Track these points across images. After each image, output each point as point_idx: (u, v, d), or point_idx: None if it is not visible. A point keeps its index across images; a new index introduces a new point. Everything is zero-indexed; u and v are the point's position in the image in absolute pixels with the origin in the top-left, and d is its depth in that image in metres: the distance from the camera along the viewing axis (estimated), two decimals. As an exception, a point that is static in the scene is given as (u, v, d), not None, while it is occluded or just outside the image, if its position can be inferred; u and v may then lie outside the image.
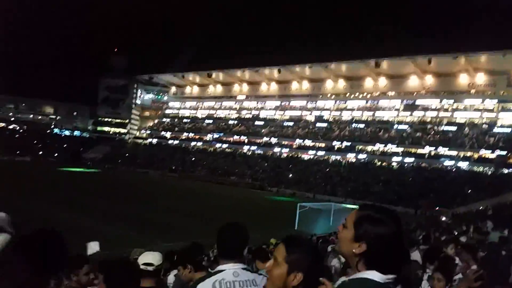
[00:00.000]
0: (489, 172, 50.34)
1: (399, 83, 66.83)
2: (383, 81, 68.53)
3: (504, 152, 51.55)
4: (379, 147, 62.38)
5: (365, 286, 1.52)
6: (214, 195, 44.72)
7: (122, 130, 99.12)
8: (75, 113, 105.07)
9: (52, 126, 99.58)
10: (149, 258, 3.37)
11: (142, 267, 3.32)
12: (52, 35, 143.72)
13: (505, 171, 49.40)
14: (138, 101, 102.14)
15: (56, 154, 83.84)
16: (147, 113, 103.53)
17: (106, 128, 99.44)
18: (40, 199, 28.40)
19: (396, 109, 66.63)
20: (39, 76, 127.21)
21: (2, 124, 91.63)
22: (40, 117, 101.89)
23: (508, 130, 54.91)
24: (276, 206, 37.86)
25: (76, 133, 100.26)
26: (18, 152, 76.41)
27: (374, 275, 1.53)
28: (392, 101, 67.61)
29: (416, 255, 7.08)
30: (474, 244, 6.78)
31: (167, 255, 7.87)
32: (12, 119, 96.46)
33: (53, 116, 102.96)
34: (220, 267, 2.42)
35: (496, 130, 56.13)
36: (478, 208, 33.08)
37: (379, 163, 59.93)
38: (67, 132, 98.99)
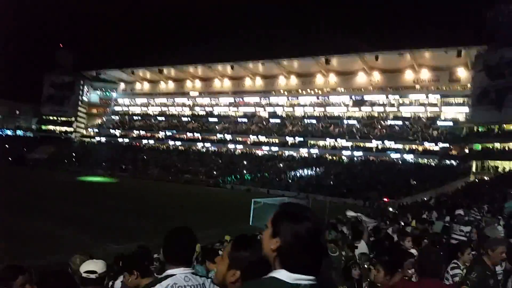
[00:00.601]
0: (433, 164, 53.29)
1: (348, 79, 68.96)
2: (333, 78, 70.39)
3: (446, 145, 54.81)
4: (330, 141, 64.12)
5: (269, 285, 1.52)
6: (167, 193, 43.96)
7: (69, 129, 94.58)
8: (17, 112, 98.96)
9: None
10: (92, 266, 3.26)
11: (84, 275, 3.21)
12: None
13: (448, 162, 52.56)
14: (85, 98, 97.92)
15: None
16: (94, 111, 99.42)
17: (51, 127, 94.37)
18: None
19: (346, 105, 68.74)
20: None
21: None
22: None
23: (450, 123, 58.35)
24: (231, 203, 37.87)
25: (19, 132, 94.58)
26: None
27: (283, 275, 1.52)
28: (342, 97, 69.65)
29: (363, 247, 7.32)
30: (418, 235, 7.12)
31: (116, 260, 7.65)
32: None
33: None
34: (170, 272, 2.37)
35: (439, 123, 59.43)
36: (423, 198, 34.89)
37: (330, 157, 61.61)
38: (8, 132, 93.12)
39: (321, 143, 64.78)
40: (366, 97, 67.42)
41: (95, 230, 21.00)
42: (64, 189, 40.90)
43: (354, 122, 66.52)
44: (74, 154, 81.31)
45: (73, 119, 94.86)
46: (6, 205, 26.68)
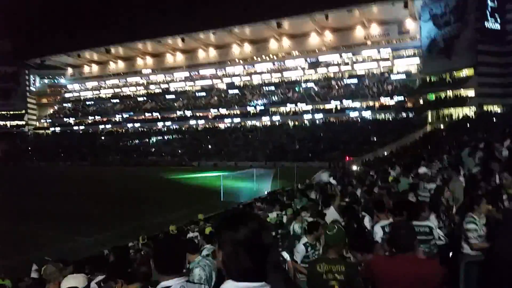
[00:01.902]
0: (390, 118, 55.03)
1: (301, 41, 68.84)
2: (286, 42, 70.02)
3: (401, 98, 56.53)
4: (290, 107, 64.57)
5: None
6: (131, 178, 43.18)
7: (20, 122, 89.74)
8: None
9: None
10: (73, 282, 3.16)
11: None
12: None
13: (404, 115, 54.44)
14: (33, 88, 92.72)
15: None
16: (44, 100, 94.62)
17: (1, 122, 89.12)
18: None
19: (302, 68, 68.90)
20: None
21: None
22: None
23: (403, 76, 59.93)
24: (199, 180, 37.78)
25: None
26: None
27: (229, 286, 1.49)
28: (297, 60, 69.65)
29: (332, 213, 7.39)
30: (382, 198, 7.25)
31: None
32: None
33: None
34: (164, 284, 2.29)
35: (392, 77, 60.94)
36: (384, 153, 36.20)
37: (293, 123, 62.26)
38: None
39: (282, 109, 65.14)
40: (321, 58, 67.76)
41: (66, 223, 20.41)
42: (24, 184, 39.26)
43: (312, 85, 67.04)
44: (29, 148, 77.77)
45: (23, 111, 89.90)
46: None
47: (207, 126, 69.82)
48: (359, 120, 57.21)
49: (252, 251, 1.47)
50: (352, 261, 4.19)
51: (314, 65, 67.82)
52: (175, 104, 75.91)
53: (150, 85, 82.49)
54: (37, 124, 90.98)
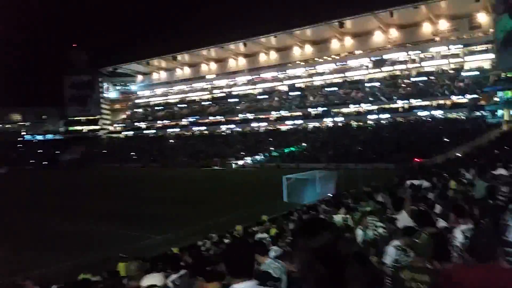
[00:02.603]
0: (463, 117, 51.72)
1: (365, 40, 67.14)
2: (349, 41, 68.67)
3: (475, 95, 52.90)
4: (353, 108, 63.07)
5: None
6: (198, 179, 44.68)
7: (95, 127, 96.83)
8: (44, 117, 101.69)
9: (23, 133, 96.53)
10: (152, 281, 3.36)
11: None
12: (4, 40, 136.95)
13: (478, 113, 50.84)
14: (106, 95, 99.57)
15: (32, 161, 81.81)
16: (117, 106, 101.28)
17: (78, 128, 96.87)
18: (28, 208, 27.80)
19: (365, 67, 67.06)
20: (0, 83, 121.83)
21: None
22: (8, 125, 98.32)
23: (476, 72, 56.13)
24: (262, 182, 38.14)
25: (49, 136, 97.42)
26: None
27: None
28: (360, 59, 67.93)
29: (405, 218, 7.09)
30: (458, 202, 6.83)
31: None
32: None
33: (22, 123, 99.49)
34: (236, 286, 2.34)
35: (464, 74, 57.28)
36: (456, 154, 34.08)
37: (356, 123, 60.77)
38: (39, 137, 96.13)
39: (344, 110, 63.82)
40: (386, 56, 65.49)
41: (137, 222, 21.65)
42: (100, 185, 42.18)
43: (376, 84, 64.97)
44: (103, 151, 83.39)
45: (98, 117, 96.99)
46: (49, 208, 27.82)
47: (269, 128, 70.31)
48: (429, 120, 54.36)
49: (327, 260, 1.43)
50: (436, 271, 4.01)
51: (379, 63, 65.69)
52: (238, 107, 77.40)
53: (214, 89, 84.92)
54: (111, 128, 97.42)
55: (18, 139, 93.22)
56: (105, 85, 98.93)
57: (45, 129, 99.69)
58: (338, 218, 9.46)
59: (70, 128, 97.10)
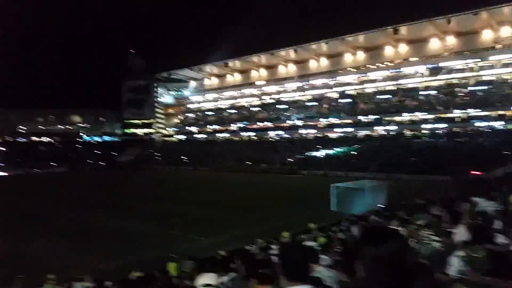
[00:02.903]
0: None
1: (420, 47, 64.85)
2: (403, 48, 66.64)
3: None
4: (407, 116, 60.95)
5: None
6: (245, 184, 45.12)
7: (150, 130, 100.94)
8: (102, 119, 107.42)
9: (82, 134, 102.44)
10: (207, 279, 3.49)
11: (202, 289, 3.45)
12: (66, 46, 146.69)
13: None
14: (161, 99, 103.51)
15: (90, 161, 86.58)
16: (171, 110, 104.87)
17: (134, 130, 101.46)
18: (83, 206, 29.44)
19: (420, 75, 64.69)
20: (63, 87, 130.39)
21: (35, 138, 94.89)
22: (68, 126, 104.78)
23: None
24: (308, 189, 37.84)
25: (106, 138, 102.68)
26: (53, 163, 79.26)
27: None
28: (415, 67, 65.64)
29: (462, 233, 6.79)
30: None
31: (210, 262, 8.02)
32: (44, 132, 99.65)
33: (81, 124, 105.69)
34: None
35: (528, 84, 53.65)
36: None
37: (409, 133, 58.69)
38: (97, 138, 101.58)
39: (397, 118, 61.84)
40: (442, 64, 62.77)
41: (187, 224, 22.26)
42: (152, 187, 43.78)
43: (432, 92, 62.39)
44: (157, 154, 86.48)
45: (152, 120, 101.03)
46: (103, 207, 29.30)
47: (317, 135, 69.63)
48: (488, 131, 51.38)
49: (393, 269, 1.39)
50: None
51: (435, 71, 63.09)
52: (286, 114, 77.39)
53: (263, 95, 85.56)
54: (165, 132, 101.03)
55: (77, 139, 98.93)
56: (160, 90, 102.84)
57: (103, 131, 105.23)
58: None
59: (126, 131, 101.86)
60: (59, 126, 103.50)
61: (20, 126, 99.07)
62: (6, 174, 70.56)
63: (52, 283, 11.42)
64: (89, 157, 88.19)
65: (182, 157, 77.53)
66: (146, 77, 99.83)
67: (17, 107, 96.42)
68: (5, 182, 57.52)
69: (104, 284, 10.54)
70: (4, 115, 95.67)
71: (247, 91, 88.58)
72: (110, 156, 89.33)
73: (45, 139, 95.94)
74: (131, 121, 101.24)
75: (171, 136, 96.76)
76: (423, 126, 58.06)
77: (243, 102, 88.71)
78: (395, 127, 60.92)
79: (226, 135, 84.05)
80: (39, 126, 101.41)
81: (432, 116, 57.91)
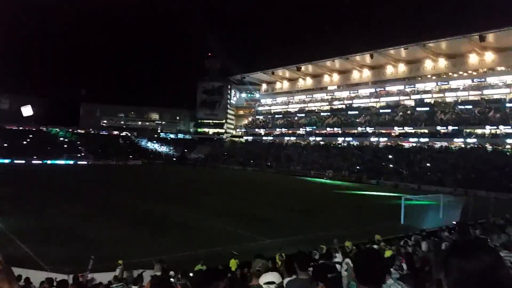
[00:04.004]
0: None
1: (509, 56, 59.66)
2: (489, 56, 61.78)
3: None
4: (490, 129, 56.49)
5: None
6: (310, 189, 44.80)
7: (220, 130, 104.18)
8: (177, 117, 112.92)
9: (159, 131, 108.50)
10: (270, 277, 3.60)
11: (264, 286, 3.56)
12: (150, 48, 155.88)
13: None
14: (233, 101, 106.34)
15: (164, 156, 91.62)
16: (241, 112, 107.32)
17: (205, 129, 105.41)
18: (156, 199, 31.20)
19: (508, 86, 59.56)
20: (144, 85, 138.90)
21: (116, 132, 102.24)
22: (147, 123, 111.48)
23: None
24: (377, 200, 36.63)
25: (180, 135, 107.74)
26: (130, 156, 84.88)
27: None
28: (502, 77, 60.58)
29: None
30: None
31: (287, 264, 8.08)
32: (124, 127, 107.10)
33: (159, 122, 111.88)
34: None
35: None
36: None
37: (491, 147, 54.36)
38: (172, 135, 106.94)
39: (479, 131, 57.56)
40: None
41: (249, 223, 22.69)
42: (219, 185, 45.12)
43: (520, 104, 57.08)
44: (225, 153, 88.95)
45: (223, 121, 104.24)
46: (173, 200, 30.78)
47: (389, 144, 66.98)
48: None
49: (484, 285, 1.30)
50: None
51: (525, 82, 57.74)
52: (357, 120, 75.44)
53: (334, 101, 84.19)
54: (234, 132, 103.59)
55: (155, 135, 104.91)
56: (233, 92, 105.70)
57: (178, 129, 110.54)
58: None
59: (199, 130, 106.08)
60: (138, 122, 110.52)
61: (103, 120, 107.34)
62: (86, 163, 76.84)
63: (122, 269, 12.31)
64: (164, 152, 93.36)
65: (248, 158, 78.97)
66: (220, 79, 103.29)
67: (102, 102, 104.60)
68: (84, 171, 62.47)
69: (169, 274, 11.09)
70: (90, 110, 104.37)
71: (317, 95, 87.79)
72: (182, 152, 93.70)
73: (124, 133, 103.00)
74: (204, 121, 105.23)
75: (240, 137, 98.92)
76: (507, 140, 53.44)
77: (312, 106, 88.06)
78: (475, 140, 56.77)
79: (293, 138, 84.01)
80: (120, 121, 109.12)
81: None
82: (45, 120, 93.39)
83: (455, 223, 20.44)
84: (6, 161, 69.95)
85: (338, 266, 8.71)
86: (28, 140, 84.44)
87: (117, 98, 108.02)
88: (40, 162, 72.75)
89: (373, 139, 69.38)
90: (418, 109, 68.34)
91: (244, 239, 18.91)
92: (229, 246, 16.96)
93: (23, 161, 70.70)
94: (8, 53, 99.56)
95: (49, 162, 73.91)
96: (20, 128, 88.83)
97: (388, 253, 10.24)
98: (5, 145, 76.39)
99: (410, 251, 10.28)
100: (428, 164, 54.93)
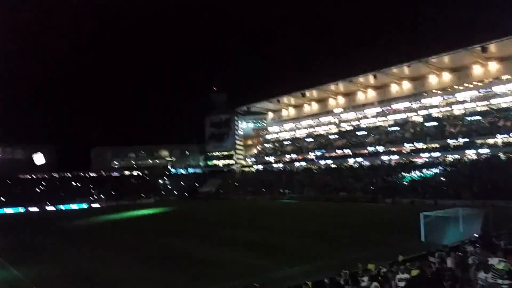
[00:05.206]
0: None
1: (513, 64, 59.60)
2: (493, 66, 61.82)
3: None
4: (501, 138, 55.79)
5: None
6: (326, 213, 44.20)
7: (230, 162, 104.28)
8: (187, 152, 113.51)
9: (169, 167, 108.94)
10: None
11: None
12: (156, 86, 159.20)
13: None
14: (241, 132, 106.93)
15: (176, 192, 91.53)
16: (249, 142, 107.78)
17: (215, 162, 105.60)
18: (169, 235, 30.95)
19: (514, 93, 59.12)
20: (153, 124, 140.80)
21: (127, 172, 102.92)
22: (158, 161, 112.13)
23: None
24: (395, 219, 35.96)
25: (190, 170, 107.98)
26: (143, 195, 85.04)
27: None
28: (508, 85, 60.29)
29: None
30: None
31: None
32: (135, 166, 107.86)
33: (169, 158, 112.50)
34: None
35: None
36: None
37: (505, 156, 53.50)
38: (182, 171, 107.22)
39: (490, 141, 56.86)
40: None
41: (267, 253, 22.26)
42: (233, 216, 44.76)
43: (529, 111, 56.47)
44: (236, 184, 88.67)
45: (232, 152, 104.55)
46: (188, 235, 30.50)
47: (401, 161, 66.29)
48: None
49: None
50: None
51: (532, 88, 57.37)
52: (366, 140, 75.11)
53: (342, 123, 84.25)
54: (244, 162, 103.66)
55: (166, 172, 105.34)
56: (240, 122, 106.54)
57: (187, 164, 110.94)
58: (495, 261, 8.27)
59: (209, 163, 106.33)
60: (149, 160, 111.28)
61: (114, 162, 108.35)
62: (99, 206, 77.01)
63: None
64: (175, 188, 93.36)
65: (260, 186, 78.58)
66: (227, 112, 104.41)
67: (113, 144, 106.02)
68: (96, 213, 62.29)
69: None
70: (101, 152, 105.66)
71: (324, 119, 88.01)
72: (193, 186, 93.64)
73: (135, 173, 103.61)
74: (213, 153, 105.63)
75: (250, 166, 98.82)
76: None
77: (320, 130, 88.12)
78: (488, 150, 55.99)
79: (304, 164, 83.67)
80: (131, 161, 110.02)
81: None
82: (57, 166, 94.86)
83: (476, 235, 19.91)
84: (21, 209, 70.43)
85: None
86: (41, 187, 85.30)
87: (127, 139, 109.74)
88: (54, 208, 73.08)
89: (384, 157, 68.82)
90: (426, 124, 67.97)
91: (264, 269, 18.51)
92: (249, 278, 16.60)
93: (37, 209, 71.07)
94: (17, 103, 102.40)
95: (62, 207, 74.21)
96: (33, 176, 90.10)
97: (414, 273, 9.92)
98: (18, 193, 77.19)
99: (437, 268, 9.96)
100: (443, 179, 54.05)
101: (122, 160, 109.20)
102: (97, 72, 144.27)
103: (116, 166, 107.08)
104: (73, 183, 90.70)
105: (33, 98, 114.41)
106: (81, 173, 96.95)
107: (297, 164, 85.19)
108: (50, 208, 72.74)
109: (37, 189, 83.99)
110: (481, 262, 9.31)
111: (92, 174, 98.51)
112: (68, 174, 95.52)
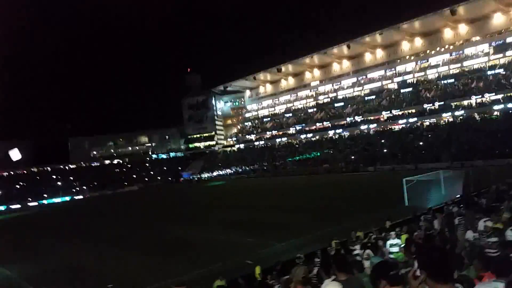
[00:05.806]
0: None
1: (483, 25, 60.61)
2: (463, 28, 62.77)
3: None
4: (475, 99, 57.23)
5: None
6: (309, 186, 44.80)
7: (211, 143, 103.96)
8: (167, 137, 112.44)
9: (150, 153, 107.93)
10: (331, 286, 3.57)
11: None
12: (130, 72, 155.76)
13: None
14: (219, 112, 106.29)
15: (159, 178, 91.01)
16: (229, 121, 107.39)
17: (197, 144, 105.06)
18: (160, 220, 30.98)
19: (486, 54, 60.50)
20: (129, 111, 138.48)
21: (107, 161, 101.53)
22: (137, 147, 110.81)
23: None
24: (378, 186, 36.80)
25: (172, 154, 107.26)
26: (125, 183, 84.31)
27: None
28: (479, 46, 61.54)
29: None
30: None
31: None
32: (114, 155, 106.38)
33: (149, 144, 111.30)
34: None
35: None
36: None
37: (479, 116, 55.05)
38: (163, 156, 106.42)
39: (465, 102, 58.27)
40: (510, 40, 58.20)
41: (256, 230, 22.57)
42: (219, 196, 44.96)
43: (500, 70, 57.97)
44: (219, 164, 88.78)
45: (213, 133, 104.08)
46: (176, 219, 30.58)
47: (379, 129, 67.41)
48: None
49: None
50: None
51: (501, 48, 58.68)
52: (344, 111, 75.86)
53: (319, 95, 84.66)
54: (225, 142, 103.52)
55: (147, 158, 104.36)
56: (218, 103, 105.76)
57: (168, 148, 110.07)
58: (481, 223, 8.64)
59: (190, 146, 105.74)
60: (129, 148, 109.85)
61: (93, 151, 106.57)
62: (81, 197, 76.13)
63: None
64: (158, 174, 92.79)
65: (244, 165, 78.91)
66: (204, 93, 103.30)
67: (90, 134, 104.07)
68: (82, 205, 61.78)
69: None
70: (79, 143, 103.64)
71: (302, 93, 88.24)
72: (176, 171, 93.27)
73: (116, 161, 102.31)
74: (194, 136, 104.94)
75: (231, 146, 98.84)
76: (494, 107, 54.17)
77: (298, 104, 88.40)
78: (463, 112, 57.44)
79: (284, 139, 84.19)
80: (111, 150, 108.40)
81: (501, 96, 53.85)
82: (34, 160, 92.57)
83: (459, 196, 20.67)
84: (1, 207, 68.99)
85: (358, 258, 8.76)
86: (20, 183, 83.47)
87: (104, 127, 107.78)
88: (37, 203, 71.83)
89: (362, 127, 69.83)
90: (402, 90, 69.03)
91: (255, 247, 18.80)
92: (242, 256, 16.88)
93: (19, 206, 69.75)
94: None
95: (45, 202, 73.03)
96: (11, 173, 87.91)
97: (403, 238, 10.31)
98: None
99: (427, 232, 10.34)
100: (421, 143, 55.36)
101: (101, 149, 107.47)
102: (68, 61, 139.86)
103: (95, 156, 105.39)
104: (53, 176, 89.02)
105: (4, 94, 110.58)
106: (60, 166, 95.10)
107: (278, 140, 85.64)
108: (33, 204, 71.47)
109: (17, 185, 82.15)
110: (467, 221, 9.75)
111: (72, 166, 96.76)
112: (47, 168, 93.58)
